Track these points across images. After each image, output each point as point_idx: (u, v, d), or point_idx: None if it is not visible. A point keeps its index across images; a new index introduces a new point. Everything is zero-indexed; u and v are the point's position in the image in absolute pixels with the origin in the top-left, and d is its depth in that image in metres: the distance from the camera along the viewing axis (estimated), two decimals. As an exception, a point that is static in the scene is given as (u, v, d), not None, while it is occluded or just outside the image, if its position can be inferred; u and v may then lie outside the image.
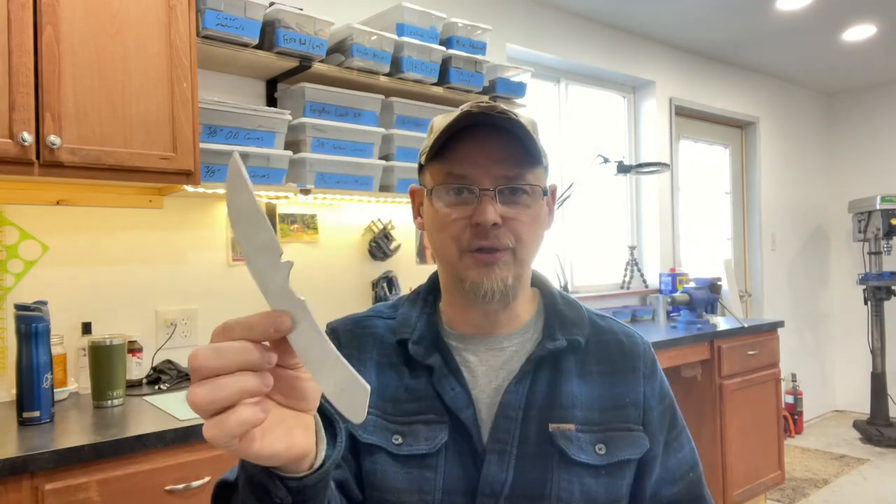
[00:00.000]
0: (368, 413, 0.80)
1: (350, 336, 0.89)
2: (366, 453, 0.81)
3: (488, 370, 0.83)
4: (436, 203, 0.80)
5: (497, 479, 0.76)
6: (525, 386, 0.81)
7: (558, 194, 3.25)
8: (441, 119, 0.81)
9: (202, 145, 1.87)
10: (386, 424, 0.81)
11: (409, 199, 0.89)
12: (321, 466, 0.55)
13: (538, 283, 0.92)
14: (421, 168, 0.84)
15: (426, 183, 0.82)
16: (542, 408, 0.80)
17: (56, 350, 1.72)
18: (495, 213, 0.76)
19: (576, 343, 0.83)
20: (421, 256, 2.74)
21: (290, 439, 0.51)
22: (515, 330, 0.85)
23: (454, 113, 0.77)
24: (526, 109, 2.81)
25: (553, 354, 0.82)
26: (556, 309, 0.87)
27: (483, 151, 0.77)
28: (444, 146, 0.78)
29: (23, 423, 1.49)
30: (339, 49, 2.25)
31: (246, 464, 0.56)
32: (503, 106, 0.76)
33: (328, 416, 0.62)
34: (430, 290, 0.91)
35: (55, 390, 1.64)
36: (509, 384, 0.81)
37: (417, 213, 0.87)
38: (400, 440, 0.80)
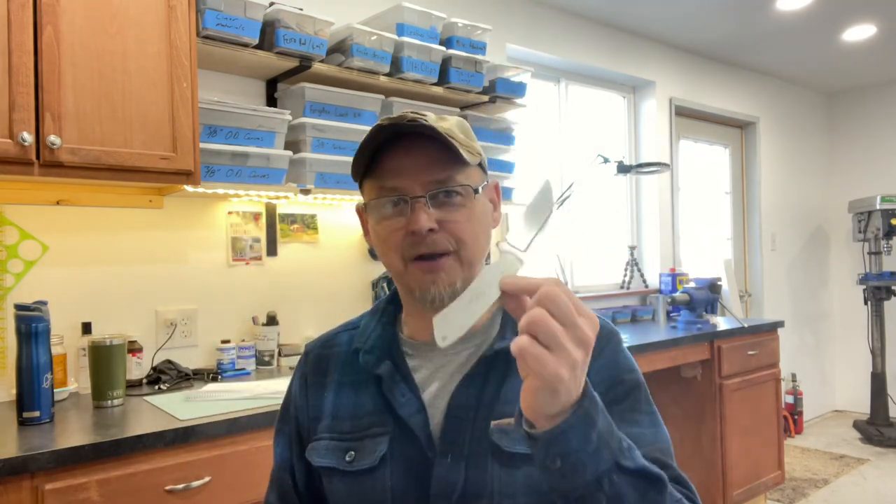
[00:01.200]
0: (321, 439, 0.86)
1: (316, 360, 0.93)
2: (323, 476, 0.85)
3: (444, 375, 0.83)
4: (373, 218, 0.82)
5: (448, 482, 0.77)
6: (476, 387, 0.80)
7: (559, 194, 3.27)
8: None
9: (202, 145, 1.87)
10: (338, 445, 0.84)
11: (359, 220, 0.90)
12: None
13: None
14: (361, 187, 0.86)
15: (365, 200, 0.84)
16: (491, 407, 0.79)
17: (56, 350, 1.72)
18: (429, 218, 0.77)
19: None
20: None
21: None
22: (471, 334, 0.84)
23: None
24: (520, 114, 2.82)
25: (502, 353, 0.81)
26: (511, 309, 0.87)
27: (408, 160, 0.78)
28: (372, 162, 0.80)
29: (23, 423, 1.49)
30: (339, 49, 2.25)
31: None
32: (415, 113, 0.77)
33: None
34: (391, 301, 0.92)
35: (55, 390, 1.64)
36: (457, 386, 0.81)
37: (366, 230, 0.88)
38: (353, 456, 0.82)
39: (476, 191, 0.81)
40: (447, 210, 0.79)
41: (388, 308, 0.92)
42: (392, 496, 0.79)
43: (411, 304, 0.86)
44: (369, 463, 0.80)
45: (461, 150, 0.77)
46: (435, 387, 0.83)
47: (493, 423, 0.78)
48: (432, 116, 0.80)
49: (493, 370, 0.81)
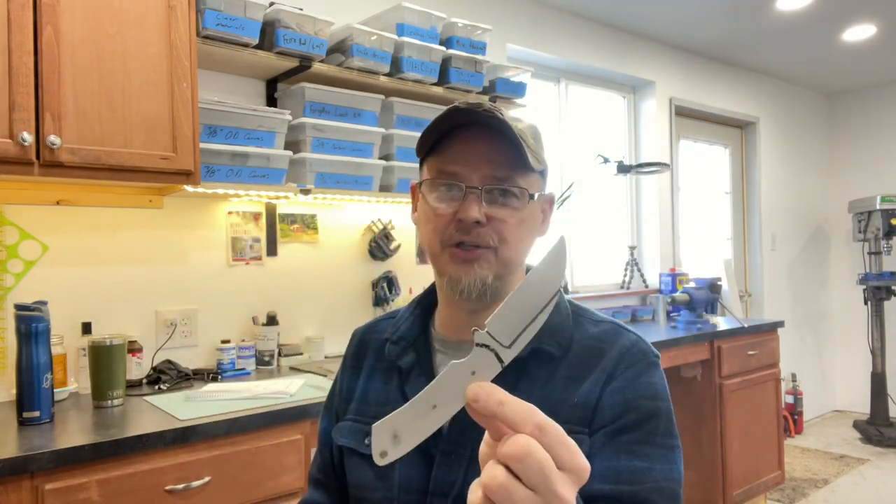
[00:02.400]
0: (347, 420, 0.88)
1: (358, 345, 0.96)
2: (345, 455, 0.88)
3: None
4: (426, 197, 0.81)
5: (446, 481, 0.77)
6: None
7: (559, 194, 3.27)
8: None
9: (202, 145, 1.87)
10: (361, 427, 0.86)
11: (411, 196, 0.90)
12: None
13: None
14: (421, 164, 0.86)
15: (423, 178, 0.84)
16: None
17: (56, 350, 1.72)
18: (479, 211, 0.77)
19: (544, 353, 0.79)
20: (421, 256, 2.74)
21: None
22: None
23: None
24: (525, 113, 2.82)
25: (516, 360, 0.79)
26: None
27: (475, 150, 0.78)
28: (439, 143, 0.80)
29: (23, 423, 1.49)
30: (339, 49, 2.25)
31: None
32: (492, 105, 0.76)
33: None
34: (428, 294, 0.92)
35: (55, 390, 1.64)
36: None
37: (415, 207, 0.88)
38: (370, 440, 0.81)
39: (532, 196, 0.81)
40: (499, 208, 0.78)
41: (425, 300, 0.92)
42: (399, 486, 0.80)
43: (443, 292, 0.85)
44: None
45: (528, 154, 0.77)
46: None
47: None
48: (509, 115, 0.79)
49: (503, 377, 0.80)
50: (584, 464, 0.45)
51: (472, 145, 0.78)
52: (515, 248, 0.80)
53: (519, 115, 0.89)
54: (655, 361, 0.80)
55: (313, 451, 1.01)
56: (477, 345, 0.47)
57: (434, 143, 0.80)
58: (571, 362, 0.79)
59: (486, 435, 0.47)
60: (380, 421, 0.49)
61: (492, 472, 0.44)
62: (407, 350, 0.86)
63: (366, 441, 0.83)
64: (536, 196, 0.82)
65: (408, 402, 0.49)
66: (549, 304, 0.46)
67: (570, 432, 0.75)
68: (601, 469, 0.72)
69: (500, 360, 0.48)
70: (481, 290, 0.79)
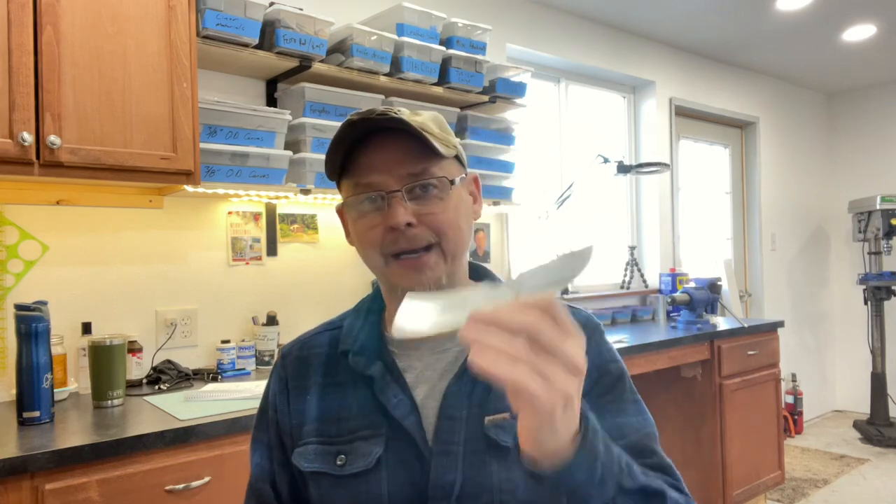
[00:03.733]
0: (308, 443, 0.83)
1: (296, 363, 0.90)
2: (311, 482, 0.82)
3: (433, 374, 0.82)
4: (352, 216, 0.81)
5: (446, 482, 0.76)
6: (465, 384, 0.79)
7: (559, 194, 3.27)
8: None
9: (202, 145, 1.87)
10: (327, 448, 0.81)
11: (340, 221, 0.89)
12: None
13: (482, 277, 0.91)
14: (338, 187, 0.85)
15: (343, 200, 0.83)
16: (482, 403, 0.79)
17: (56, 350, 1.72)
18: (406, 212, 0.76)
19: None
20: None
21: None
22: (430, 341, 0.83)
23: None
24: (525, 113, 2.82)
25: None
26: None
27: (382, 155, 0.78)
28: (347, 159, 0.79)
29: (23, 423, 1.49)
30: (339, 49, 2.25)
31: None
32: (384, 108, 0.77)
33: None
34: (375, 299, 0.91)
35: (55, 390, 1.64)
36: (448, 384, 0.80)
37: (348, 231, 0.87)
38: (344, 460, 0.80)
39: (452, 182, 0.80)
40: (424, 203, 0.78)
41: (374, 307, 0.90)
42: (389, 499, 0.78)
43: (393, 301, 0.84)
44: (363, 465, 0.79)
45: (434, 143, 0.76)
46: (425, 387, 0.82)
47: (486, 419, 0.78)
48: (406, 111, 0.79)
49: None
50: (579, 332, 0.52)
51: (378, 152, 0.78)
52: (455, 239, 0.79)
53: (444, 114, 0.88)
54: (604, 330, 0.88)
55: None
56: (507, 281, 0.56)
57: (342, 162, 0.80)
58: None
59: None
60: (413, 299, 0.57)
61: (513, 350, 0.49)
62: (372, 359, 0.83)
63: (337, 461, 0.80)
64: (458, 180, 0.81)
65: (436, 296, 0.58)
66: (567, 282, 0.55)
67: None
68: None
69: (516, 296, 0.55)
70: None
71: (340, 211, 0.88)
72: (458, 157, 0.84)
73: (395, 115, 0.75)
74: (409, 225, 0.76)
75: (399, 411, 0.79)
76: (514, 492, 0.76)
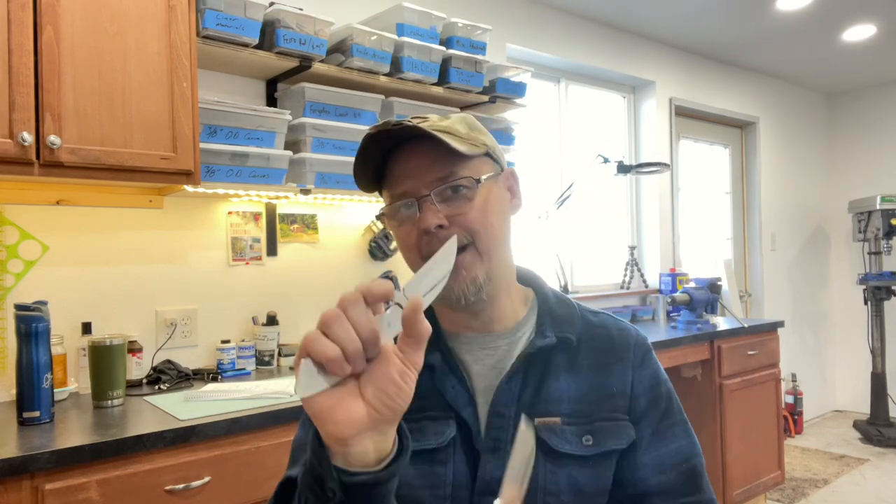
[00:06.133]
0: None
1: None
2: None
3: (482, 369, 0.84)
4: (391, 226, 0.83)
5: (494, 477, 0.77)
6: (516, 383, 0.82)
7: (559, 194, 3.27)
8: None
9: (202, 145, 1.87)
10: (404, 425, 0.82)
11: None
12: (381, 469, 0.56)
13: (532, 282, 0.93)
14: (382, 196, 0.87)
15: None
16: (532, 404, 0.81)
17: (56, 350, 1.72)
18: (436, 216, 0.78)
19: (566, 340, 0.84)
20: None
21: (371, 424, 0.55)
22: (508, 328, 0.86)
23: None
24: (525, 113, 2.81)
25: (543, 351, 0.83)
26: (549, 307, 0.88)
27: (410, 163, 0.80)
28: (381, 171, 0.82)
29: (23, 423, 1.49)
30: (339, 49, 2.25)
31: (314, 451, 0.57)
32: (402, 118, 0.78)
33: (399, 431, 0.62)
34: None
35: (55, 390, 1.64)
36: (500, 382, 0.82)
37: (393, 238, 0.91)
38: (410, 437, 0.81)
39: (478, 181, 0.81)
40: (455, 205, 0.79)
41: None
42: (453, 481, 0.79)
43: (438, 306, 0.87)
44: (434, 443, 0.80)
45: (455, 144, 0.77)
46: (477, 381, 0.84)
47: (537, 420, 0.80)
48: (434, 118, 0.81)
49: (532, 367, 0.83)
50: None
51: (405, 161, 0.80)
52: (488, 236, 0.80)
53: (446, 114, 0.89)
54: (651, 347, 0.91)
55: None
56: (388, 307, 0.57)
57: (378, 175, 0.83)
58: (589, 349, 0.86)
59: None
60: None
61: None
62: (431, 348, 0.84)
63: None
64: (484, 178, 0.82)
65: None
66: (445, 278, 0.60)
67: (614, 419, 0.83)
68: (653, 460, 0.83)
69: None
70: (476, 292, 0.79)
71: (384, 220, 0.90)
72: (489, 155, 0.84)
73: (409, 124, 0.76)
74: (440, 227, 0.78)
75: (457, 401, 0.81)
76: (559, 495, 0.78)
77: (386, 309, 0.56)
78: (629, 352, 0.87)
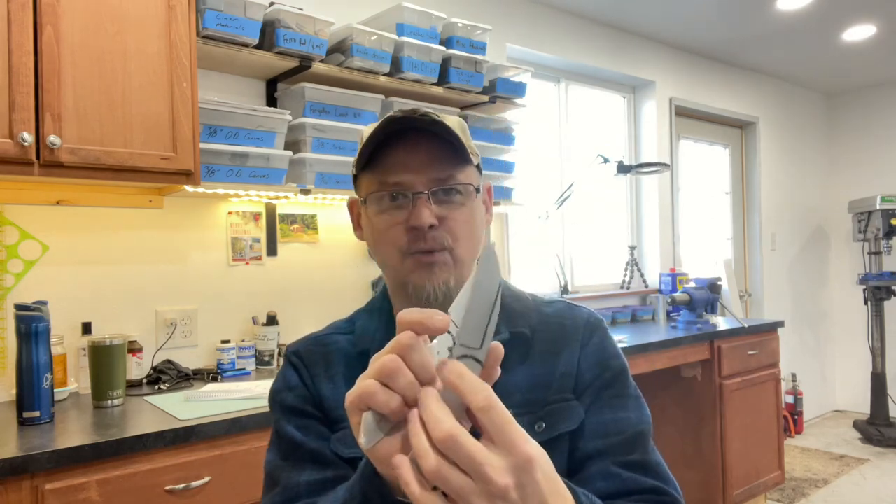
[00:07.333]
0: (345, 428, 0.81)
1: (313, 355, 0.88)
2: (351, 468, 0.81)
3: None
4: (372, 211, 0.81)
5: None
6: None
7: (559, 194, 3.27)
8: (369, 129, 0.82)
9: (202, 145, 1.87)
10: None
11: (349, 213, 0.90)
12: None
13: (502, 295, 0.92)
14: (355, 179, 0.85)
15: (361, 193, 0.83)
16: None
17: (56, 350, 1.72)
18: (431, 214, 0.77)
19: (520, 335, 0.85)
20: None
21: None
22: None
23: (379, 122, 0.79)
24: (525, 113, 2.82)
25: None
26: (503, 304, 0.87)
27: (413, 156, 0.78)
28: (375, 155, 0.80)
29: (23, 423, 1.49)
30: (339, 49, 2.25)
31: (371, 483, 0.58)
32: (427, 109, 0.77)
33: None
34: (385, 299, 0.92)
35: (55, 390, 1.64)
36: None
37: (357, 224, 0.88)
38: None
39: (477, 190, 0.82)
40: (447, 208, 0.79)
41: (384, 306, 0.91)
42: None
43: (401, 300, 0.85)
44: None
45: (467, 151, 0.78)
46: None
47: None
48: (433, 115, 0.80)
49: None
50: (528, 452, 0.45)
51: (409, 152, 0.78)
52: (467, 247, 0.81)
53: (444, 114, 0.89)
54: (607, 327, 0.90)
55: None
56: (459, 357, 0.50)
57: (369, 156, 0.80)
58: (542, 339, 0.86)
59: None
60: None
61: (425, 460, 0.45)
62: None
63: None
64: (478, 187, 0.82)
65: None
66: (496, 304, 0.51)
67: (562, 400, 0.81)
68: (591, 426, 0.81)
69: (479, 362, 0.51)
70: (445, 294, 0.79)
71: (353, 203, 0.88)
72: (477, 166, 0.85)
73: (436, 118, 0.76)
74: (431, 227, 0.77)
75: None
76: None
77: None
78: (579, 333, 0.86)
